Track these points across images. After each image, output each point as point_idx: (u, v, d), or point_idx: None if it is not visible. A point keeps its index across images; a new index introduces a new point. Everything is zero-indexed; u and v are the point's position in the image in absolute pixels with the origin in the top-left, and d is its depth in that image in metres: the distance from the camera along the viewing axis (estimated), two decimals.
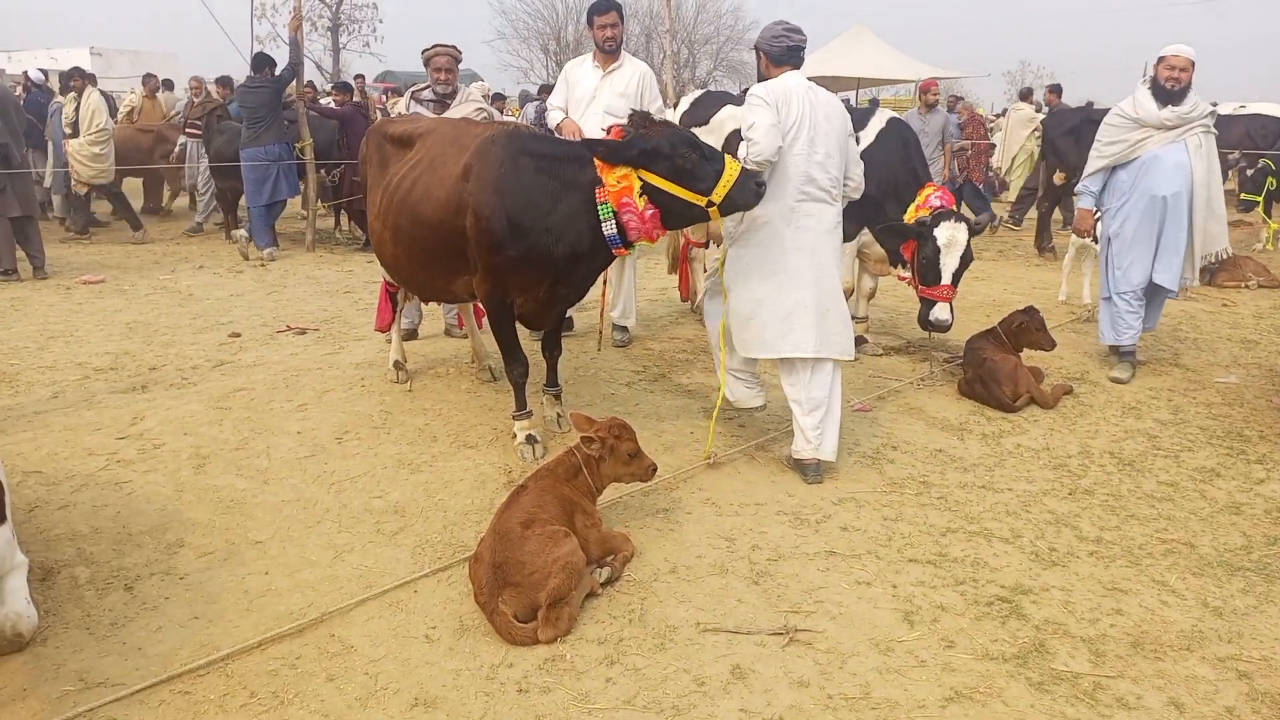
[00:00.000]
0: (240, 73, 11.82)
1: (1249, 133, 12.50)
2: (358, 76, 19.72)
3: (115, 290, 7.87)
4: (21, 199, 8.16)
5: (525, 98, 17.66)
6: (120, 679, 2.64)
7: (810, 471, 4.07)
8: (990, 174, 16.26)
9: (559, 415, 4.60)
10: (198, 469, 4.06)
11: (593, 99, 5.75)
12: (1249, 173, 11.14)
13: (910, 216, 5.26)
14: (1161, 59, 5.40)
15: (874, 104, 20.14)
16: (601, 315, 5.70)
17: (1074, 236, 7.49)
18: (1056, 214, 11.09)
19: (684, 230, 6.12)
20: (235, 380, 5.25)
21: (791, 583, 3.23)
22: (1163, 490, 4.13)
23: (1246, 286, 8.62)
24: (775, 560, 3.38)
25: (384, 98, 18.30)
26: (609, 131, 3.98)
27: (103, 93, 11.35)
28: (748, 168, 3.78)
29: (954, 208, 5.20)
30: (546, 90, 12.33)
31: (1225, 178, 11.01)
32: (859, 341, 6.19)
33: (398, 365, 5.28)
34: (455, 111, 5.76)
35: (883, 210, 5.40)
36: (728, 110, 5.92)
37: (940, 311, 5.16)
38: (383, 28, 35.21)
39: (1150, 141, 5.42)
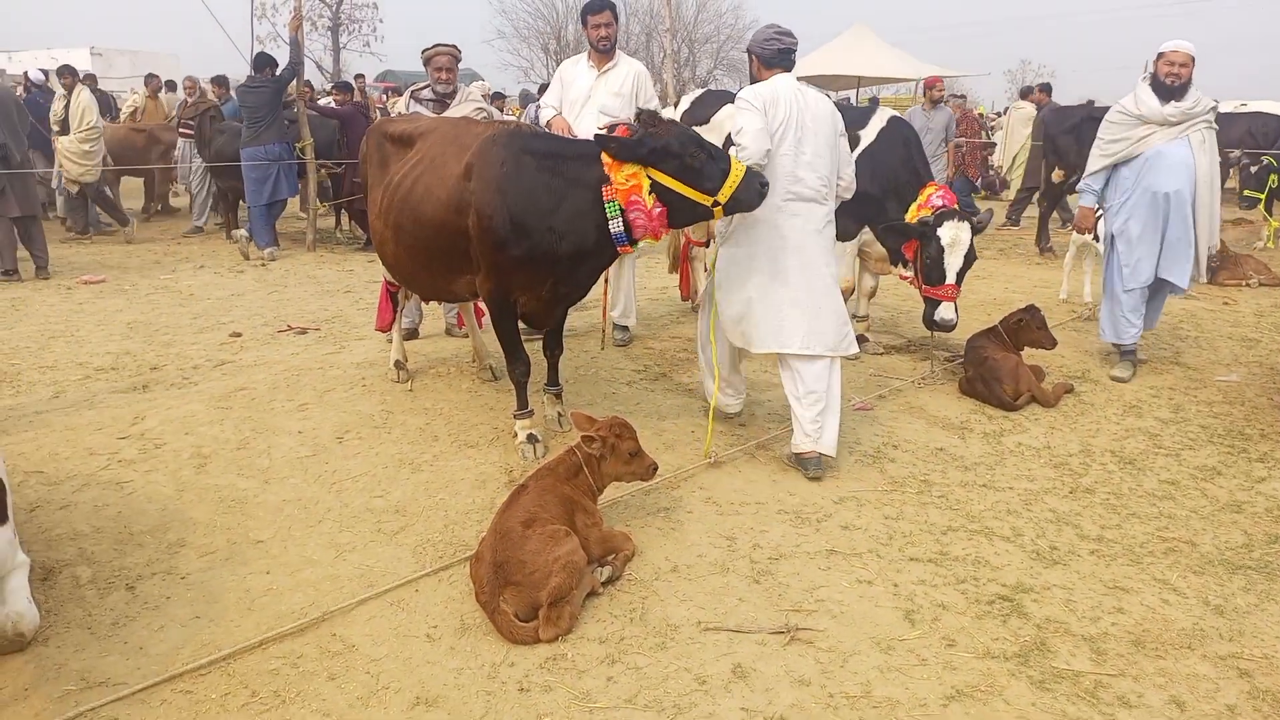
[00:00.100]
0: (241, 73, 11.83)
1: (1250, 131, 12.52)
2: (358, 76, 19.73)
3: (116, 290, 7.87)
4: (21, 199, 8.15)
5: (526, 97, 17.63)
6: (122, 678, 2.64)
7: (811, 465, 4.07)
8: (991, 173, 16.26)
9: (560, 414, 4.60)
10: (199, 468, 4.06)
11: (588, 99, 5.75)
12: (1252, 169, 11.14)
13: (912, 216, 5.25)
14: (1161, 55, 5.37)
15: (874, 103, 20.14)
16: (604, 314, 5.70)
17: (1074, 235, 7.48)
18: (1055, 214, 11.09)
19: (684, 229, 6.12)
20: (236, 380, 5.26)
21: (792, 581, 3.23)
22: (1164, 489, 4.13)
23: (1247, 284, 8.61)
24: (776, 559, 3.38)
25: (384, 97, 18.31)
26: (613, 131, 3.98)
27: (103, 92, 11.36)
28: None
29: (956, 206, 5.19)
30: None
31: (1226, 176, 11.04)
32: (860, 340, 6.19)
33: (398, 365, 5.28)
34: (455, 111, 5.76)
35: (884, 209, 5.40)
36: (728, 109, 5.91)
37: (945, 311, 5.15)
38: (383, 27, 35.31)
39: (1153, 138, 5.39)
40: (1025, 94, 14.65)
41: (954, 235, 5.03)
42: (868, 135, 5.50)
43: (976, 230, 5.10)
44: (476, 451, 4.31)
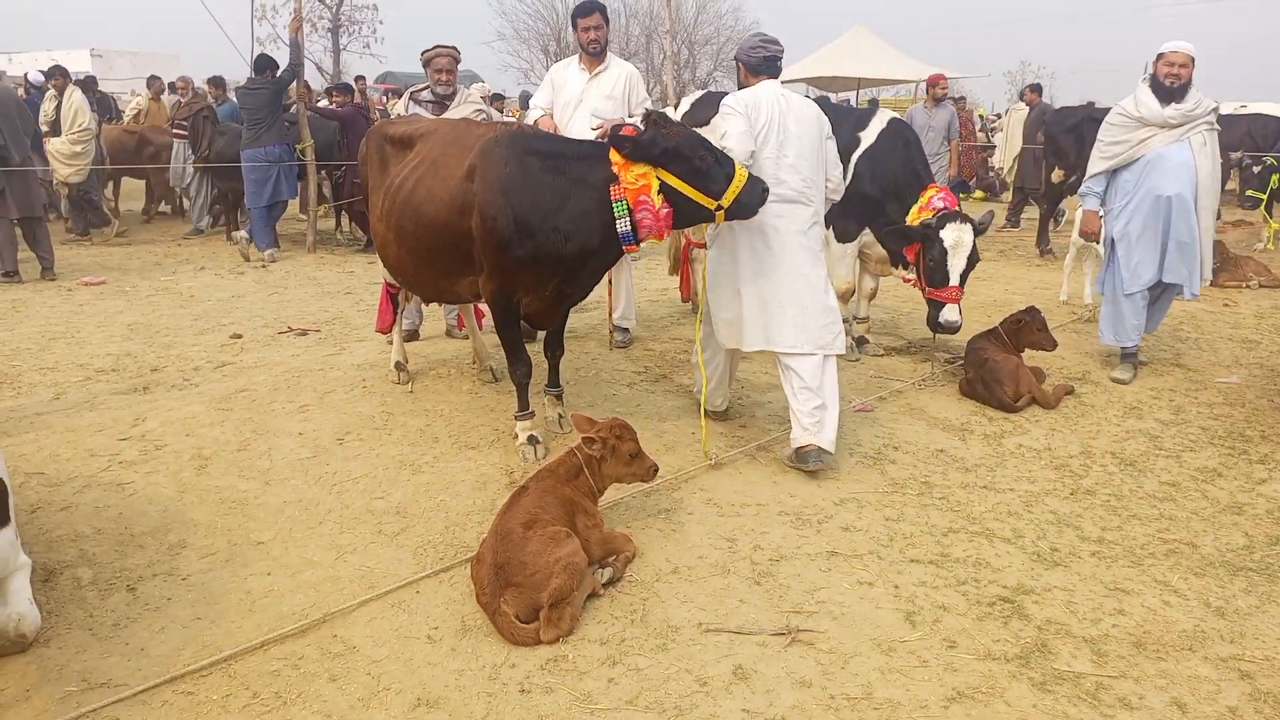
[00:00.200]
0: (241, 75, 11.83)
1: (1250, 132, 12.52)
2: (358, 78, 19.71)
3: (117, 292, 7.88)
4: (21, 201, 8.15)
5: (526, 98, 17.65)
6: (123, 680, 2.64)
7: (810, 459, 4.07)
8: (991, 174, 16.27)
9: (560, 416, 4.60)
10: (200, 470, 4.06)
11: (579, 102, 5.74)
12: (1255, 170, 11.14)
13: (914, 218, 5.23)
14: (1160, 56, 5.35)
15: (873, 104, 20.15)
16: (610, 314, 5.70)
17: (1075, 236, 7.48)
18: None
19: (685, 230, 6.13)
20: (237, 381, 5.26)
21: (793, 583, 3.23)
22: (1164, 490, 4.13)
23: (1248, 286, 8.61)
24: (777, 561, 3.39)
25: (384, 99, 18.31)
26: (619, 130, 3.99)
27: (104, 94, 11.36)
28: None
29: (957, 208, 5.18)
30: None
31: (1227, 178, 11.04)
32: (861, 342, 6.19)
33: (399, 366, 5.28)
34: (454, 112, 5.76)
35: (884, 211, 5.39)
36: None
37: (950, 313, 5.14)
38: (383, 29, 35.30)
39: (1154, 140, 5.36)
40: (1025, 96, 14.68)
41: (957, 237, 5.02)
42: (868, 137, 5.49)
43: (978, 232, 5.09)
44: (477, 453, 4.31)
